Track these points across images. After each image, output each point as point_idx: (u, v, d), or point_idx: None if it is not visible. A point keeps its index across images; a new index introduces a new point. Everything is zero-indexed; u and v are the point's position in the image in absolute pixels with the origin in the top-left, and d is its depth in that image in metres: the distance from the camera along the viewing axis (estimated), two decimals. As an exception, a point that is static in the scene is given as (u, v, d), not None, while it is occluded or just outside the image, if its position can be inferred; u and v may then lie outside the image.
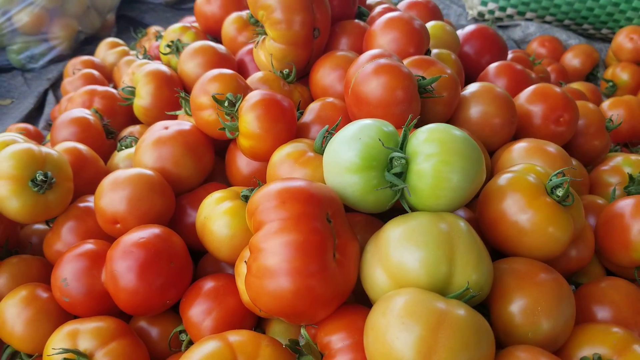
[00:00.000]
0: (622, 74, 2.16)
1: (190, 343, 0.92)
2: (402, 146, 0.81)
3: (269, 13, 1.16)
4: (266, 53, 1.22)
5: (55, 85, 2.17)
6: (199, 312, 0.90)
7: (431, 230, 0.73)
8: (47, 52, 2.24)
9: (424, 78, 1.02)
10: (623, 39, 2.20)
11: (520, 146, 1.03)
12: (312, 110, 1.09)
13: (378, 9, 1.43)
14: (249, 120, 0.99)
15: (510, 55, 1.75)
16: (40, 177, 0.97)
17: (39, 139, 1.71)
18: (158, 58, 1.76)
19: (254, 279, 0.74)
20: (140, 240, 0.89)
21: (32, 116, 2.01)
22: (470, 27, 1.57)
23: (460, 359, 0.63)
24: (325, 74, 1.19)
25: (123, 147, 1.24)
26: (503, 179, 0.87)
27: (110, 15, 2.48)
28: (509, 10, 2.55)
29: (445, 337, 0.63)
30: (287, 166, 0.94)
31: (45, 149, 1.02)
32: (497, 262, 0.83)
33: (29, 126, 1.72)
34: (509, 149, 1.05)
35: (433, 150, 0.77)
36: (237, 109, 1.03)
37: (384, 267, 0.74)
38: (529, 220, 0.82)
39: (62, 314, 0.94)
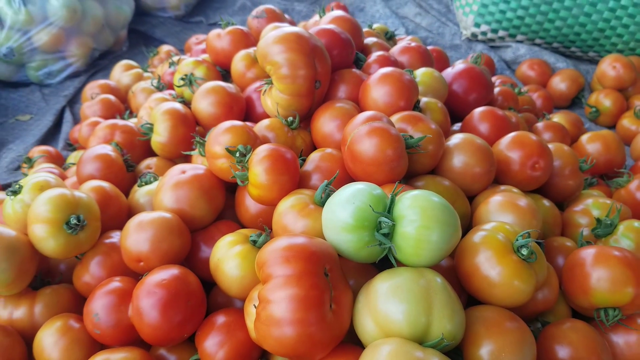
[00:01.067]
0: (604, 100, 2.29)
1: (205, 369, 1.07)
2: (390, 209, 0.95)
3: (276, 69, 1.29)
4: (273, 101, 1.35)
5: (72, 102, 2.30)
6: (212, 344, 1.03)
7: (412, 288, 0.87)
8: (64, 68, 2.36)
9: (411, 137, 1.16)
10: (606, 67, 2.33)
11: (495, 200, 1.17)
12: (313, 160, 1.23)
13: (373, 56, 1.56)
14: (258, 173, 1.12)
15: (496, 90, 1.88)
16: (74, 221, 1.11)
17: (59, 160, 1.84)
18: (171, 86, 1.88)
19: (262, 326, 0.88)
20: (163, 281, 1.03)
21: (51, 133, 2.14)
22: (460, 67, 1.70)
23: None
24: (325, 123, 1.32)
25: (143, 184, 1.37)
26: (477, 236, 1.01)
27: (122, 31, 2.59)
28: (501, 33, 2.68)
29: (421, 383, 0.77)
30: (291, 217, 1.07)
31: (77, 193, 1.15)
32: (470, 309, 0.97)
33: (50, 148, 1.85)
34: (486, 201, 1.19)
35: (415, 217, 0.91)
36: (247, 160, 1.16)
37: (373, 317, 0.89)
38: (498, 274, 0.96)
39: (92, 343, 1.08)
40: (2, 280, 1.06)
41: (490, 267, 0.97)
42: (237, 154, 1.17)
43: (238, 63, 1.67)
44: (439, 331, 0.86)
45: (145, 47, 2.72)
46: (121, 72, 2.16)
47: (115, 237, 1.22)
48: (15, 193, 1.22)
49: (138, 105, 1.82)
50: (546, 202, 1.35)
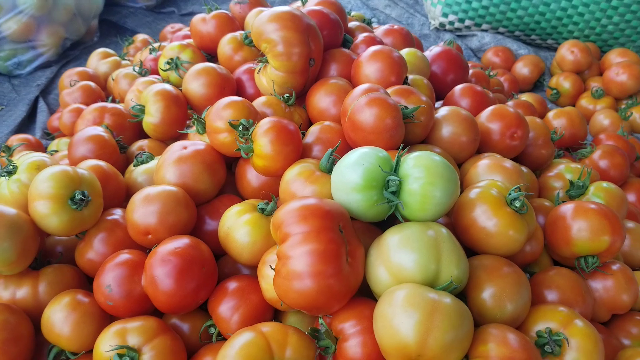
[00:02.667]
0: (564, 82, 2.44)
1: (219, 335, 1.10)
2: (396, 169, 1.01)
3: (271, 46, 1.33)
4: (268, 79, 1.39)
5: (45, 92, 2.25)
6: (227, 308, 1.07)
7: (422, 237, 0.94)
8: (35, 58, 2.31)
9: (406, 107, 1.23)
10: (565, 52, 2.48)
11: (483, 163, 1.26)
12: (313, 132, 1.28)
13: (360, 37, 1.62)
14: (263, 144, 1.16)
15: (470, 71, 1.98)
16: (79, 196, 1.11)
17: (39, 148, 1.82)
18: (155, 71, 1.89)
19: (283, 281, 0.93)
20: (177, 249, 1.05)
21: (25, 124, 2.10)
22: (437, 50, 1.78)
23: (450, 336, 0.83)
24: (321, 99, 1.37)
25: (140, 163, 1.38)
26: (473, 193, 1.09)
27: (94, 21, 2.56)
28: (467, 22, 2.80)
29: (438, 320, 0.84)
30: (298, 184, 1.12)
31: (79, 170, 1.16)
32: (470, 259, 1.05)
33: (29, 136, 1.82)
34: (475, 164, 1.27)
35: (420, 174, 0.97)
36: (251, 133, 1.20)
37: (386, 267, 0.95)
38: (494, 226, 1.04)
39: (103, 317, 1.09)
40: (5, 259, 1.05)
41: (487, 219, 1.05)
42: (240, 128, 1.21)
43: (225, 46, 1.69)
44: (447, 276, 0.93)
45: (117, 37, 2.69)
46: (98, 61, 2.14)
47: (117, 214, 1.23)
48: (10, 173, 1.22)
49: (121, 91, 1.82)
50: (524, 169, 1.45)
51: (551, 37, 2.78)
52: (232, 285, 1.10)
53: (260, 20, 1.35)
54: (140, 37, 2.42)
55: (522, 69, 2.57)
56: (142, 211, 1.13)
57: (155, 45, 2.05)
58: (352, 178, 1.00)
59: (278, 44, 1.32)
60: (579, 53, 2.42)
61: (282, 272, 0.93)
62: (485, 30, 2.84)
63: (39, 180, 1.11)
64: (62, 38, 2.37)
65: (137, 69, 1.90)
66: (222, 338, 1.10)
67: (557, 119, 1.92)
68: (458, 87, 1.60)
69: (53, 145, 1.79)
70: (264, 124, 1.19)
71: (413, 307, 0.85)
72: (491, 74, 2.21)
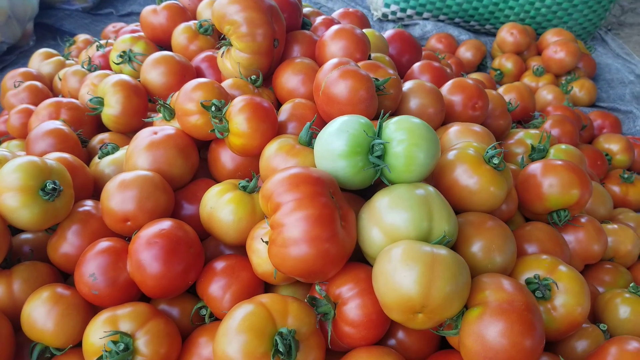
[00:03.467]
0: (506, 63, 2.56)
1: (212, 316, 1.07)
2: (379, 134, 1.03)
3: (235, 28, 1.32)
4: (233, 62, 1.38)
5: (-18, 98, 2.11)
6: (218, 288, 1.05)
7: (412, 196, 0.96)
8: (-32, 64, 2.17)
9: (377, 79, 1.25)
10: (505, 34, 2.60)
11: (454, 129, 1.30)
12: (286, 110, 1.28)
13: (319, 19, 1.64)
14: (239, 122, 1.15)
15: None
16: (50, 186, 1.05)
17: (-14, 153, 1.70)
18: (105, 67, 1.82)
19: (279, 249, 0.92)
20: (162, 231, 1.02)
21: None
22: (391, 32, 1.82)
23: (452, 286, 0.86)
24: (289, 78, 1.37)
25: (105, 155, 1.33)
26: (451, 154, 1.12)
27: (29, 24, 2.43)
28: (409, 11, 2.88)
29: (439, 271, 0.86)
30: (280, 159, 1.11)
31: (47, 160, 1.10)
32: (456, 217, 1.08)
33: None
34: (446, 132, 1.31)
35: (404, 137, 0.99)
36: (225, 113, 1.18)
37: (380, 227, 0.96)
38: (476, 183, 1.08)
39: (87, 308, 1.04)
40: (-24, 255, 0.99)
41: (468, 178, 1.08)
42: (213, 108, 1.19)
43: (179, 36, 1.66)
44: (439, 232, 0.95)
45: (55, 40, 2.57)
46: (40, 62, 2.03)
47: (88, 205, 1.18)
48: (-30, 170, 1.14)
49: (71, 89, 1.73)
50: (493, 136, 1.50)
51: (489, 22, 2.90)
52: (220, 264, 1.08)
53: (221, 2, 1.33)
54: (82, 37, 2.32)
55: (465, 53, 2.67)
56: (119, 197, 1.09)
57: (103, 42, 1.98)
58: (337, 145, 1.00)
59: (242, 24, 1.31)
60: (518, 34, 2.54)
61: (277, 240, 0.92)
62: (427, 19, 2.93)
63: (5, 172, 1.05)
64: (-2, 41, 2.25)
65: (85, 65, 1.82)
66: (215, 319, 1.08)
67: (507, 94, 2.01)
68: (416, 65, 1.64)
69: (1, 149, 1.69)
70: (238, 102, 1.17)
71: (413, 261, 0.86)
72: (440, 57, 2.28)
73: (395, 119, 1.04)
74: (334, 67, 1.20)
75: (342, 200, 1.00)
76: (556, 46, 2.41)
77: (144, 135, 1.22)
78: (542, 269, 1.03)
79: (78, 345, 1.02)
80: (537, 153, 1.47)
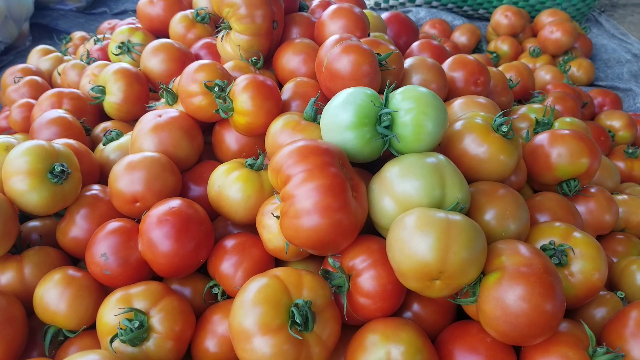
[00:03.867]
0: (502, 45, 2.56)
1: (224, 294, 1.07)
2: (385, 106, 1.02)
3: (234, 10, 1.31)
4: (233, 45, 1.37)
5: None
6: (229, 265, 1.04)
7: (423, 165, 0.96)
8: (-34, 63, 2.16)
9: (379, 54, 1.24)
10: (500, 17, 2.60)
11: (458, 102, 1.30)
12: (288, 89, 1.27)
13: (316, 2, 1.64)
14: (243, 100, 1.14)
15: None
16: (59, 169, 1.05)
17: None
18: (104, 60, 1.81)
19: (291, 220, 0.91)
20: (172, 209, 1.02)
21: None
22: (387, 14, 1.83)
23: (468, 250, 0.85)
24: (290, 59, 1.37)
25: (109, 141, 1.32)
26: (458, 124, 1.12)
27: (25, 24, 2.42)
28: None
29: (454, 235, 0.85)
30: (286, 134, 1.11)
31: (54, 144, 1.10)
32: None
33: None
34: (450, 105, 1.31)
35: (411, 105, 0.99)
36: (228, 93, 1.18)
37: (392, 197, 0.95)
38: (485, 152, 1.07)
39: (99, 290, 1.04)
40: (-13, 241, 0.98)
41: (477, 147, 1.08)
42: (216, 88, 1.18)
43: (177, 25, 1.66)
44: (452, 199, 0.95)
45: (51, 40, 2.56)
46: (39, 58, 2.02)
47: (95, 189, 1.17)
48: (-24, 157, 1.13)
49: (70, 82, 1.72)
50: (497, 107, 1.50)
51: (482, 6, 2.90)
52: (230, 242, 1.08)
53: (220, -15, 1.32)
54: (78, 34, 2.32)
55: (460, 37, 2.66)
56: (127, 179, 1.08)
57: (100, 36, 1.97)
58: (344, 117, 1.00)
59: (241, 6, 1.31)
60: (513, 16, 2.54)
61: (289, 212, 0.91)
62: (420, 6, 2.93)
63: (13, 156, 1.04)
64: (-5, 41, 2.23)
65: (84, 59, 1.81)
66: (227, 297, 1.07)
67: (507, 73, 2.01)
68: (415, 44, 1.64)
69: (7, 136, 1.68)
70: (241, 80, 1.17)
71: (428, 227, 0.86)
72: (435, 40, 2.27)
73: (401, 89, 1.04)
74: (335, 43, 1.20)
75: (352, 172, 0.99)
76: (552, 26, 2.41)
77: (149, 119, 1.22)
78: (557, 235, 1.02)
79: (91, 327, 1.02)
80: (542, 127, 1.46)
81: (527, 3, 2.82)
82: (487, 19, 2.97)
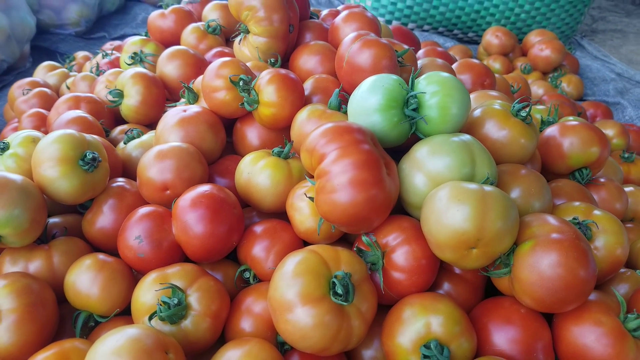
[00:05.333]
0: (494, 64, 2.66)
1: (255, 277, 1.07)
2: (412, 89, 1.06)
3: (253, 13, 1.36)
4: (251, 47, 1.42)
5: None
6: (261, 249, 1.05)
7: (452, 142, 0.99)
8: (-31, 82, 2.16)
9: (397, 51, 1.29)
10: (490, 37, 2.71)
11: (472, 96, 1.35)
12: (308, 84, 1.31)
13: (325, 11, 1.70)
14: (269, 92, 1.17)
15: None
16: (90, 156, 1.06)
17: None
18: (114, 71, 1.84)
19: (327, 196, 0.93)
20: (206, 192, 1.03)
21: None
22: (390, 27, 1.90)
23: (504, 219, 0.87)
24: (307, 60, 1.41)
25: (130, 139, 1.33)
26: (477, 112, 1.17)
27: (26, 46, 2.45)
28: (394, 23, 2.99)
29: (490, 204, 0.87)
30: (312, 123, 1.14)
31: (84, 134, 1.11)
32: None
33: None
34: (464, 100, 1.35)
35: (437, 89, 1.03)
36: (253, 86, 1.21)
37: (423, 173, 0.98)
38: (506, 136, 1.11)
39: (130, 274, 1.04)
40: (17, 226, 0.97)
41: (498, 131, 1.12)
42: (241, 83, 1.22)
43: (189, 36, 1.70)
44: (482, 176, 0.98)
45: (52, 61, 2.58)
46: (45, 73, 2.04)
47: (120, 181, 1.18)
48: (3, 150, 1.14)
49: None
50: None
51: (471, 30, 3.03)
52: (260, 227, 1.09)
53: (238, -10, 1.38)
54: (81, 53, 2.35)
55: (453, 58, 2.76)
56: (157, 167, 1.10)
57: (108, 50, 2.01)
58: (373, 100, 1.03)
59: (259, 9, 1.36)
60: (503, 36, 2.66)
61: (326, 187, 0.93)
62: (412, 29, 3.04)
63: (44, 144, 1.05)
64: (-1, 60, 2.25)
65: (94, 71, 1.84)
66: (258, 281, 1.07)
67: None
68: (422, 50, 1.71)
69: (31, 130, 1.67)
70: (265, 74, 1.20)
71: (464, 197, 0.88)
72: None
73: (424, 75, 1.08)
74: (355, 39, 1.25)
75: (383, 151, 1.02)
76: (541, 44, 2.53)
77: (173, 114, 1.24)
78: (579, 213, 1.06)
79: (122, 313, 1.01)
80: (547, 126, 1.52)
81: (514, 26, 2.96)
82: (476, 42, 3.10)
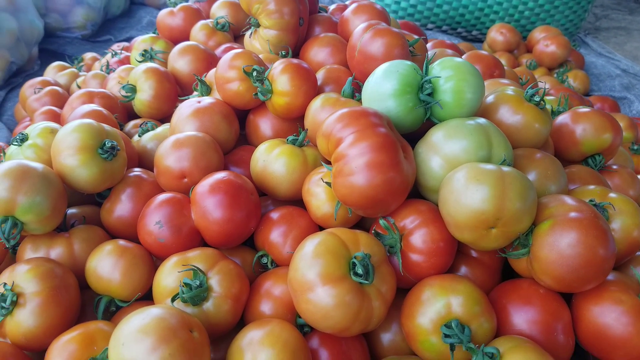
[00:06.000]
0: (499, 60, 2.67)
1: (273, 263, 1.08)
2: (425, 74, 1.07)
3: (264, 6, 1.38)
4: (262, 40, 1.43)
5: (-5, 114, 2.13)
6: (278, 234, 1.06)
7: (468, 125, 1.00)
8: (-20, 83, 2.19)
9: (408, 40, 1.30)
10: (495, 34, 2.72)
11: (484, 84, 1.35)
12: (320, 75, 1.32)
13: (332, 6, 1.72)
14: (283, 82, 1.19)
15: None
16: (109, 144, 1.07)
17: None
18: (124, 69, 1.85)
19: (345, 179, 0.93)
20: (224, 178, 1.04)
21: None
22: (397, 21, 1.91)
23: (523, 198, 0.87)
24: (317, 52, 1.43)
25: (144, 132, 1.34)
26: (491, 98, 1.17)
27: (34, 48, 2.47)
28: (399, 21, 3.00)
29: (509, 184, 0.87)
30: (326, 111, 1.15)
31: (101, 124, 1.12)
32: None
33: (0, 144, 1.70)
34: (476, 89, 1.36)
35: (451, 73, 1.04)
36: (267, 77, 1.22)
37: (440, 156, 0.99)
38: (520, 121, 1.12)
39: (150, 259, 1.04)
40: (39, 213, 0.97)
41: (512, 116, 1.13)
42: (254, 73, 1.23)
43: (198, 33, 1.72)
44: (498, 158, 0.99)
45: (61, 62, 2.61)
46: (55, 73, 2.06)
47: (137, 171, 1.19)
48: (22, 141, 1.15)
49: (92, 91, 1.76)
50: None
51: (475, 28, 3.05)
52: (277, 214, 1.09)
53: (249, -17, 1.39)
54: (89, 55, 2.37)
55: (459, 56, 2.78)
56: (175, 155, 1.11)
57: (117, 50, 2.02)
58: (388, 86, 1.04)
59: (270, 2, 1.38)
60: (508, 33, 2.67)
61: (343, 170, 0.94)
62: (417, 29, 3.06)
63: (64, 133, 1.06)
64: (8, 62, 2.27)
65: (104, 69, 1.85)
66: (276, 266, 1.08)
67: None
68: (429, 44, 1.72)
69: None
70: (279, 64, 1.22)
71: (483, 177, 0.88)
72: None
73: (438, 60, 1.09)
74: (367, 28, 1.26)
75: (399, 135, 1.03)
76: (547, 40, 2.54)
77: (187, 105, 1.25)
78: (594, 196, 1.06)
79: (142, 298, 1.02)
80: (557, 115, 1.53)
81: (517, 23, 2.97)
82: (480, 40, 3.11)
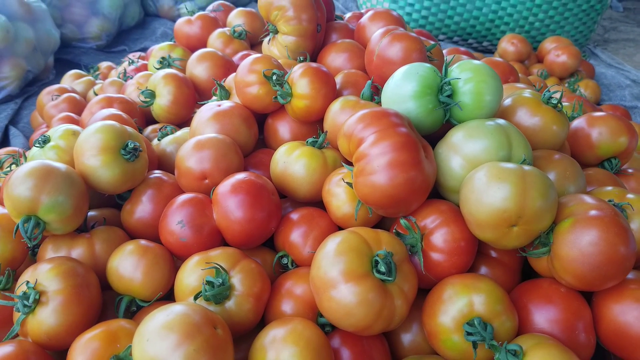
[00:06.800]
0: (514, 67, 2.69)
1: (293, 263, 1.08)
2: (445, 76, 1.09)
3: (283, 12, 1.40)
4: (280, 46, 1.45)
5: (12, 123, 2.15)
6: (299, 235, 1.06)
7: (488, 126, 1.01)
8: (-3, 91, 2.22)
9: (425, 45, 1.32)
10: (506, 44, 2.74)
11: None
12: (338, 79, 1.34)
13: (348, 14, 1.74)
14: (302, 85, 1.20)
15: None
16: (132, 145, 1.09)
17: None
18: (141, 77, 1.88)
19: (367, 178, 0.94)
20: (245, 179, 1.05)
21: (-3, 152, 1.97)
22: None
23: (544, 197, 0.87)
24: (335, 58, 1.44)
25: (164, 136, 1.36)
26: (508, 100, 1.18)
27: (50, 58, 2.51)
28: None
29: (530, 182, 0.88)
30: (346, 112, 1.16)
31: (124, 125, 1.14)
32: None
33: (18, 149, 1.72)
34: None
35: (470, 75, 1.05)
36: (286, 80, 1.24)
37: (461, 156, 1.00)
38: (538, 123, 1.13)
39: (171, 259, 1.05)
40: (62, 212, 0.99)
41: (530, 118, 1.14)
42: (274, 77, 1.24)
43: (215, 41, 1.75)
44: (518, 158, 0.99)
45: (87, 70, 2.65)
46: (72, 81, 2.09)
47: (158, 173, 1.20)
48: (45, 142, 1.17)
49: (110, 98, 1.78)
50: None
51: (486, 39, 3.07)
52: (297, 215, 1.10)
53: (268, -10, 1.42)
54: (105, 64, 2.40)
55: (469, 66, 2.79)
56: (196, 157, 1.12)
57: (134, 58, 2.05)
58: (408, 87, 1.06)
59: (289, 9, 1.40)
60: (519, 43, 2.69)
61: (365, 170, 0.94)
62: (428, 40, 3.08)
63: (87, 135, 1.08)
64: (25, 70, 2.30)
65: (122, 77, 1.88)
66: (296, 266, 1.08)
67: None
68: (444, 51, 1.73)
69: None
70: (298, 68, 1.23)
71: (504, 175, 0.89)
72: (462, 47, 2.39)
73: (456, 63, 1.10)
74: (385, 33, 1.28)
75: (419, 135, 1.04)
76: (557, 50, 2.55)
77: (207, 108, 1.26)
78: (612, 196, 1.06)
79: (163, 298, 1.02)
80: (574, 119, 1.53)
81: (528, 35, 2.99)
82: (491, 51, 3.13)
